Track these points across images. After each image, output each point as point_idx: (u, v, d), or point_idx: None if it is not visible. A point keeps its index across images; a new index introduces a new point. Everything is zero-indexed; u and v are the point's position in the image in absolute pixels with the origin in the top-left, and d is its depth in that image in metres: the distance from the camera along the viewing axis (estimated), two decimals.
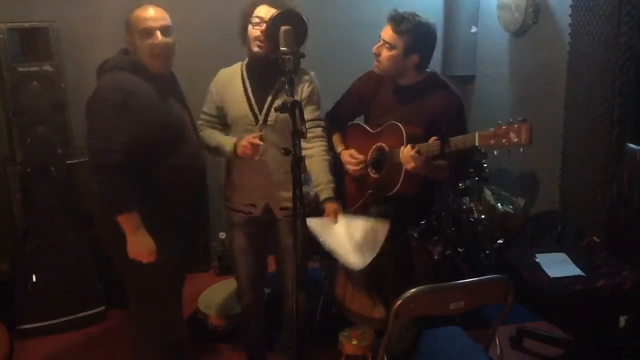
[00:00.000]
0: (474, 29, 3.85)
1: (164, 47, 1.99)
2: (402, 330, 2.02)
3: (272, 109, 2.14)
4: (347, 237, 2.15)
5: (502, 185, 3.61)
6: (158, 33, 1.97)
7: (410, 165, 2.04)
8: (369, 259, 2.06)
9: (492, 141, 1.87)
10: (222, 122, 2.32)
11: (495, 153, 1.92)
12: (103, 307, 2.99)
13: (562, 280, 2.27)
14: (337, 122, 2.48)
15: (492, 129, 1.88)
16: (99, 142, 1.88)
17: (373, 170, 2.32)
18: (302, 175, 1.79)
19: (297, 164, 1.75)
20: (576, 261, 2.41)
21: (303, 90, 2.23)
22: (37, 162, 2.86)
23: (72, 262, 2.91)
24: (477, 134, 1.92)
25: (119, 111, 1.88)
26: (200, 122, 2.32)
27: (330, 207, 2.21)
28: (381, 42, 2.23)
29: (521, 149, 1.82)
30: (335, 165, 2.38)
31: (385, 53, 2.22)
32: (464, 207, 3.24)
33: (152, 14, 1.99)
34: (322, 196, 2.22)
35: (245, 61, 2.30)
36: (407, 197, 2.20)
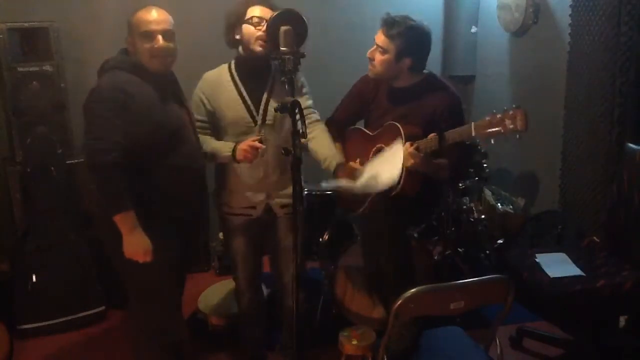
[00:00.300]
0: (474, 29, 3.85)
1: (165, 51, 1.97)
2: (402, 330, 2.01)
3: (270, 108, 2.13)
4: (373, 169, 2.19)
5: (502, 185, 3.61)
6: (159, 37, 1.94)
7: (409, 162, 2.06)
8: (397, 176, 2.09)
9: (488, 130, 1.88)
10: (214, 127, 2.26)
11: (492, 142, 1.90)
12: (103, 307, 2.99)
13: (562, 280, 2.27)
14: (337, 127, 2.48)
15: (487, 118, 1.88)
16: (95, 141, 1.86)
17: None
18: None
19: (297, 164, 1.75)
20: (576, 261, 2.41)
21: None
22: (37, 162, 2.86)
23: (72, 262, 2.91)
24: (472, 124, 1.93)
25: (117, 111, 1.87)
26: None
27: (346, 165, 2.25)
28: (374, 46, 2.24)
29: (517, 136, 1.82)
30: None
31: (379, 57, 2.23)
32: (464, 207, 3.24)
33: (154, 17, 1.95)
34: (333, 165, 2.22)
35: (232, 62, 2.24)
36: (409, 198, 2.21)
